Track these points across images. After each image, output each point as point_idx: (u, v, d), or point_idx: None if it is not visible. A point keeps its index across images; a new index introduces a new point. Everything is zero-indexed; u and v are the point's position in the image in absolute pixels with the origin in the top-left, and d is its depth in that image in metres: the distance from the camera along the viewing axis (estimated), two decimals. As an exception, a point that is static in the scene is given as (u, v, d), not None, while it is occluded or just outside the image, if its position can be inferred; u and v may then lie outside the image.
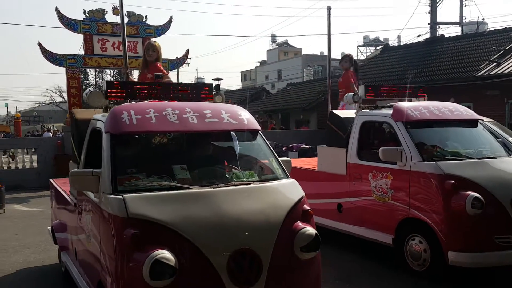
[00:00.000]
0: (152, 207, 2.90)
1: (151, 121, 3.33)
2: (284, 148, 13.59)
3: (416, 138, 4.99)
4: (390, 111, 5.32)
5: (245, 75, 62.91)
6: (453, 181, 4.47)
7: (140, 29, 14.77)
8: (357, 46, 48.75)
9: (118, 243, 2.83)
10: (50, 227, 5.47)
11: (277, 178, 3.53)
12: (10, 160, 14.03)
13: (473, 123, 5.47)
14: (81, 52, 14.08)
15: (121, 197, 2.92)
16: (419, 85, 6.52)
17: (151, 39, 6.06)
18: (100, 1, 44.27)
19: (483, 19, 22.44)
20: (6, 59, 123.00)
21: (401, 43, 22.82)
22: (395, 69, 17.32)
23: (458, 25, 21.98)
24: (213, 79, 20.33)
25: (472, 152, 5.06)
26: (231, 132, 3.67)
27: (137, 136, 3.55)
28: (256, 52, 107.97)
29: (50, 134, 26.04)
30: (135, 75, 9.69)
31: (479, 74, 12.96)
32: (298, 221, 3.23)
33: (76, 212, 4.00)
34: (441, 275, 4.61)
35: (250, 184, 3.34)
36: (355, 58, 8.55)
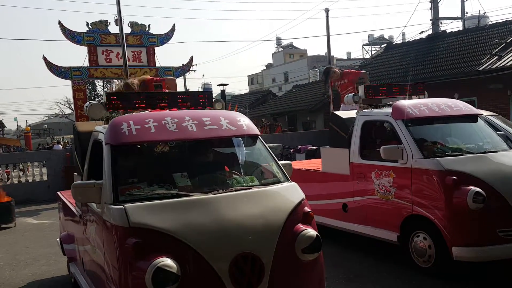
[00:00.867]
0: (153, 216, 2.95)
1: (150, 130, 3.39)
2: (292, 150, 13.61)
3: (416, 135, 5.00)
4: (390, 110, 5.34)
5: (252, 79, 63.02)
6: (454, 177, 4.47)
7: (144, 38, 14.93)
8: (362, 45, 48.79)
9: (121, 252, 2.88)
10: (58, 238, 5.57)
11: (277, 182, 3.57)
12: (21, 173, 14.25)
13: (473, 118, 5.46)
14: (86, 64, 14.26)
15: (122, 207, 2.98)
16: (418, 82, 6.52)
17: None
18: (103, 12, 44.79)
19: (485, 12, 22.33)
20: (15, 73, 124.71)
21: (406, 40, 22.72)
22: (398, 66, 17.28)
23: (460, 20, 21.84)
24: (218, 85, 20.41)
25: (473, 147, 5.06)
26: (231, 138, 3.73)
27: (138, 146, 3.61)
28: (262, 56, 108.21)
29: (60, 147, 26.28)
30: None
31: (481, 68, 12.88)
32: (299, 223, 3.26)
33: (81, 223, 4.07)
34: (447, 271, 4.61)
35: (250, 188, 3.38)
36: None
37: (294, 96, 26.36)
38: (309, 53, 54.53)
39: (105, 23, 14.30)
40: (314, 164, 7.22)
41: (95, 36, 14.08)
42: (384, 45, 25.90)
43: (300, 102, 23.93)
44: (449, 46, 16.23)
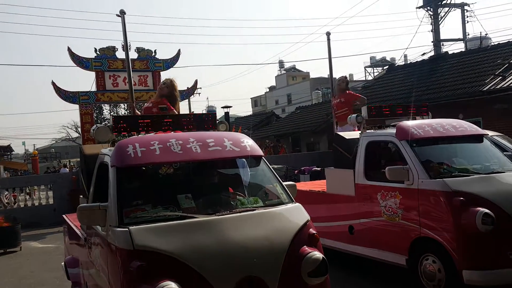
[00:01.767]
0: (158, 238, 2.94)
1: (155, 152, 3.41)
2: (296, 171, 13.57)
3: (421, 156, 4.97)
4: (394, 131, 5.34)
5: (255, 101, 63.43)
6: (461, 198, 4.42)
7: (150, 63, 15.15)
8: (364, 67, 49.02)
9: (125, 275, 2.86)
10: (63, 262, 5.52)
11: (282, 203, 3.55)
12: (27, 197, 14.28)
13: (478, 138, 5.43)
14: (93, 88, 14.45)
15: (126, 229, 2.97)
16: (422, 103, 6.53)
17: (171, 77, 6.01)
18: (112, 39, 45.75)
19: (486, 34, 22.52)
20: (22, 98, 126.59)
21: (408, 62, 22.93)
22: (401, 87, 17.35)
23: (462, 41, 22.04)
24: (221, 107, 20.60)
25: (480, 168, 5.01)
26: (235, 159, 3.73)
27: (143, 168, 3.63)
28: (265, 78, 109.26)
29: (67, 170, 26.42)
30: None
31: (485, 89, 12.91)
32: (305, 246, 3.22)
33: (86, 247, 4.05)
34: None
35: (254, 210, 3.37)
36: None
37: (298, 117, 26.49)
38: (312, 75, 54.88)
39: (113, 49, 14.54)
40: (318, 185, 7.18)
41: (102, 62, 14.31)
42: (386, 67, 26.09)
43: (303, 124, 24.02)
44: (452, 67, 16.33)
